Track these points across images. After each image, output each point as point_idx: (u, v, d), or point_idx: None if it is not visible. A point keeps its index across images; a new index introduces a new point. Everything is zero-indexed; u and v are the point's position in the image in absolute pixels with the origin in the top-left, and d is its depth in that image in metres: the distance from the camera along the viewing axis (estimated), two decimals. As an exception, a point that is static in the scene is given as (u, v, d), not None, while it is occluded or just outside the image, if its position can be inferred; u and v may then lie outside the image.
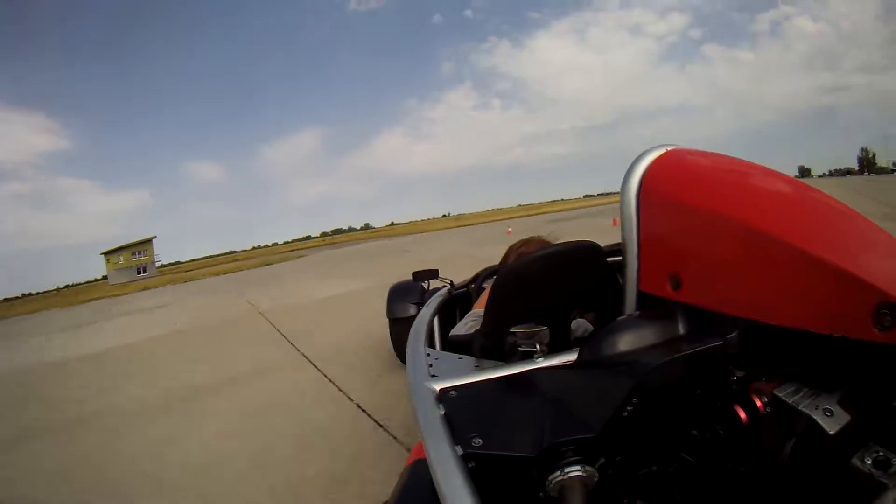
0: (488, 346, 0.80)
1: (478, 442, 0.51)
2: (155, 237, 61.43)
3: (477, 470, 0.49)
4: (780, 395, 0.53)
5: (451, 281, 2.15)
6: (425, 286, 2.97)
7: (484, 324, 0.87)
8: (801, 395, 0.52)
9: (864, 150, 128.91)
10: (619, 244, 0.72)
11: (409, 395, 0.66)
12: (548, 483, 0.49)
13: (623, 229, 0.69)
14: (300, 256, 29.99)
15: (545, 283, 0.77)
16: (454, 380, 0.65)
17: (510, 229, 9.45)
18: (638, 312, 0.68)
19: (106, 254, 59.84)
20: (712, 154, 0.70)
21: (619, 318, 0.67)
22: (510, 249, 1.43)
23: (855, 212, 0.58)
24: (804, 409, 0.50)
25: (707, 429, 0.57)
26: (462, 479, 0.45)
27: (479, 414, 0.58)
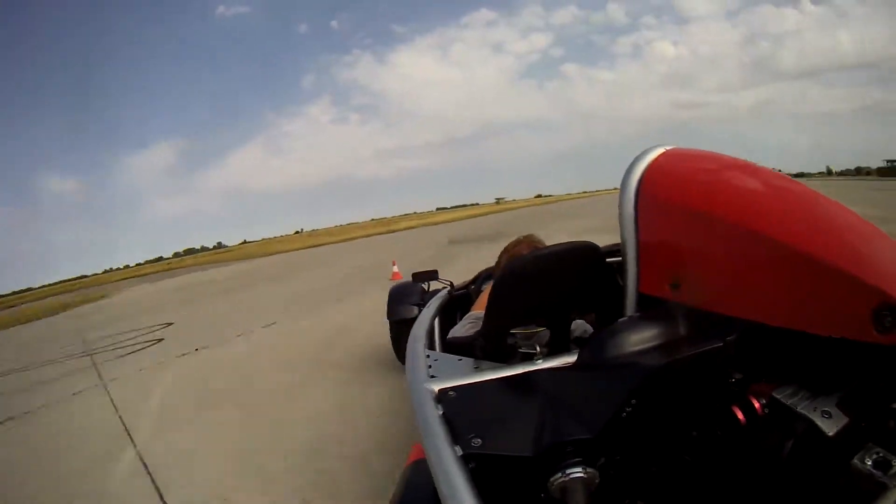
0: (488, 348, 0.79)
1: (477, 442, 0.51)
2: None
3: (477, 471, 0.48)
4: (779, 396, 0.53)
5: (451, 282, 2.14)
6: (425, 287, 2.92)
7: (484, 325, 0.86)
8: (799, 396, 0.52)
9: None
10: (618, 245, 0.71)
11: (410, 396, 0.65)
12: (549, 484, 0.49)
13: (622, 230, 0.69)
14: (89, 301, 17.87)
15: (545, 284, 0.76)
16: (453, 381, 0.64)
17: (396, 270, 7.85)
18: (638, 314, 0.68)
19: None
20: (711, 154, 0.70)
21: (620, 320, 0.66)
22: (504, 250, 1.40)
23: (855, 214, 0.57)
24: (802, 411, 0.50)
25: (706, 430, 0.57)
26: (462, 480, 0.45)
27: (478, 415, 0.57)
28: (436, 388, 0.63)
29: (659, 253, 0.66)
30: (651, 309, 0.67)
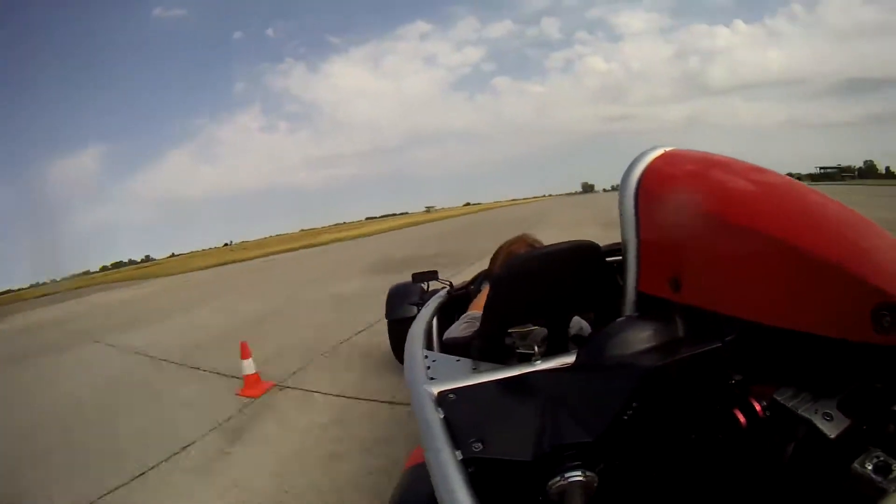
0: (486, 348, 0.79)
1: (478, 447, 0.51)
2: None
3: (477, 475, 0.49)
4: (779, 398, 0.52)
5: (451, 282, 2.11)
6: (424, 287, 2.85)
7: (482, 325, 0.85)
8: (799, 398, 0.51)
9: None
10: (618, 244, 0.71)
11: (409, 397, 0.64)
12: (548, 488, 0.49)
13: (622, 230, 0.69)
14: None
15: (544, 283, 0.75)
16: (452, 382, 0.64)
17: (249, 369, 3.51)
18: (637, 314, 0.67)
19: None
20: (711, 155, 0.71)
21: (618, 320, 0.66)
22: (499, 249, 1.39)
23: (854, 212, 0.57)
24: (803, 413, 0.50)
25: (706, 433, 0.57)
26: (462, 485, 0.45)
27: (478, 418, 0.57)
28: (435, 390, 0.63)
29: (659, 252, 0.66)
30: (650, 308, 0.67)
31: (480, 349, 0.79)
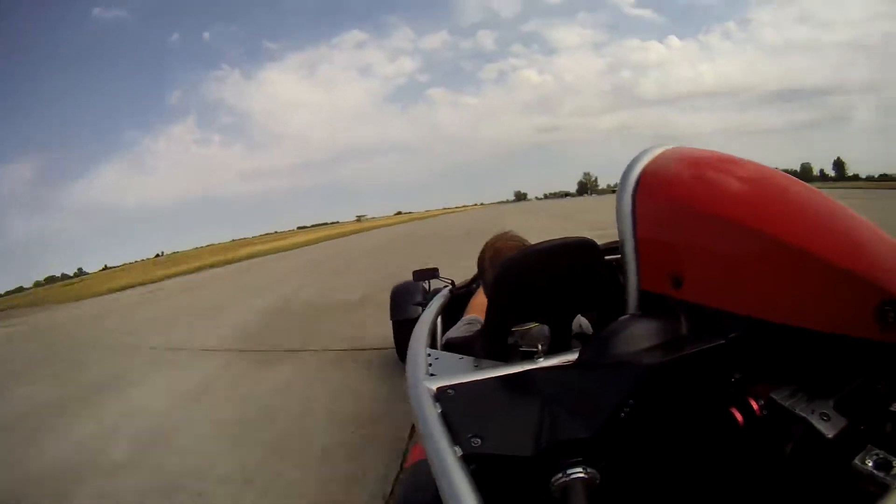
0: (489, 347, 0.80)
1: (476, 442, 0.51)
2: None
3: (478, 471, 0.48)
4: (777, 398, 0.53)
5: (452, 281, 2.12)
6: (426, 286, 2.81)
7: (485, 324, 0.88)
8: (797, 398, 0.52)
9: (586, 174, 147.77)
10: (616, 242, 0.71)
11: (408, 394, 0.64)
12: (550, 485, 0.49)
13: (620, 228, 0.69)
14: None
15: (545, 280, 0.76)
16: (453, 379, 0.63)
17: None
18: (639, 312, 0.68)
19: None
20: (711, 152, 0.72)
21: (622, 318, 0.66)
22: (485, 248, 1.33)
23: (855, 213, 0.57)
24: (801, 413, 0.50)
25: (704, 431, 0.57)
26: (464, 481, 0.45)
27: (477, 414, 0.57)
28: (434, 386, 0.62)
29: (660, 250, 0.67)
30: (653, 306, 0.67)
31: (483, 348, 0.82)
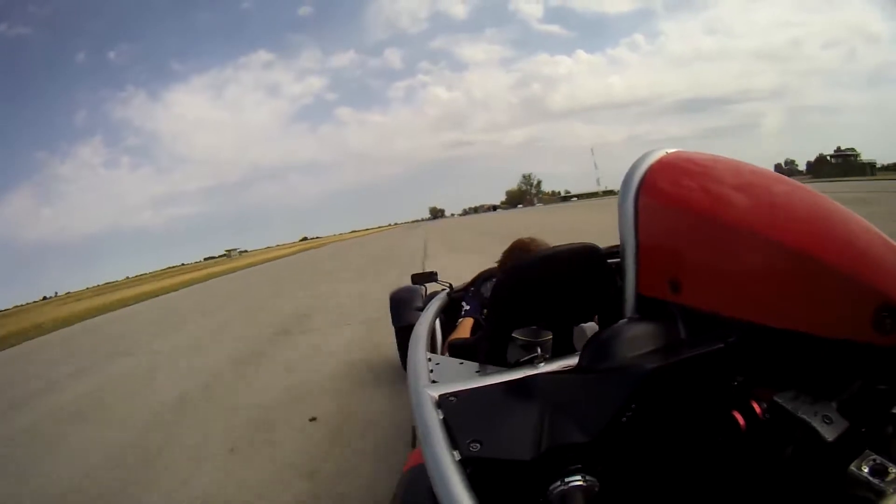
0: (491, 352, 0.80)
1: (475, 447, 0.51)
2: None
3: (475, 475, 0.48)
4: (780, 401, 0.52)
5: (451, 283, 2.15)
6: (424, 289, 2.86)
7: (486, 328, 0.88)
8: (799, 401, 0.52)
9: (526, 176, 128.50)
10: (618, 246, 0.70)
11: (410, 400, 0.64)
12: (549, 492, 0.49)
13: (621, 232, 0.69)
14: None
15: (547, 286, 0.76)
16: (454, 385, 0.64)
17: None
18: (637, 316, 0.68)
19: None
20: (712, 157, 0.71)
21: (619, 322, 0.66)
22: (507, 250, 1.41)
23: (855, 215, 0.57)
24: (803, 416, 0.50)
25: (706, 435, 0.57)
26: (460, 485, 0.45)
27: (477, 419, 0.57)
28: (436, 393, 0.62)
29: (659, 254, 0.66)
30: (651, 310, 0.67)
31: (486, 353, 0.81)
